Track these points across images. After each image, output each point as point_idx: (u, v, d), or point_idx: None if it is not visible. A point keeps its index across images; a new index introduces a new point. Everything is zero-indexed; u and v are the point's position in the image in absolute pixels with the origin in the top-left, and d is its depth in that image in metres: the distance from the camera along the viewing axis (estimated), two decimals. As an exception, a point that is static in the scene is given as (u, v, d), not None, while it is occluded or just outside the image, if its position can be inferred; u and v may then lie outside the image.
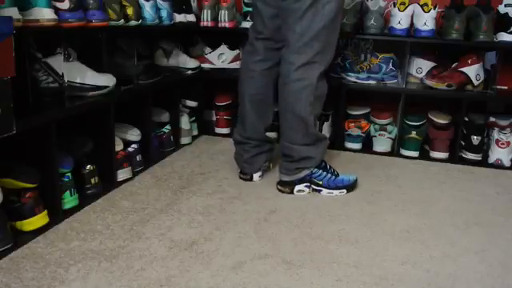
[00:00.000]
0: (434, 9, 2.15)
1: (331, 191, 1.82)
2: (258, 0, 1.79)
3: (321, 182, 1.82)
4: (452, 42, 2.17)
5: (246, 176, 1.93)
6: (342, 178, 1.85)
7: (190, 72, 2.35)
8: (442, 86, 2.23)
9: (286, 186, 1.83)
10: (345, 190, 1.84)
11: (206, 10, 2.40)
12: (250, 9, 2.36)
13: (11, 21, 1.23)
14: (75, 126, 1.67)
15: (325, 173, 1.82)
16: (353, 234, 1.52)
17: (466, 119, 2.26)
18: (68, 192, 1.57)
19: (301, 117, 1.73)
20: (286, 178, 1.84)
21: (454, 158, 2.29)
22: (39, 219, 1.43)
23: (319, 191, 1.82)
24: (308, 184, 1.82)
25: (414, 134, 2.31)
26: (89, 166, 1.67)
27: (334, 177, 1.84)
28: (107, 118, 1.74)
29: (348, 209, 1.71)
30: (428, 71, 2.37)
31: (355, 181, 1.88)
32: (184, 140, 2.35)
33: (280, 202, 1.74)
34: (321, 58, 1.71)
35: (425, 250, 1.45)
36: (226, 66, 2.50)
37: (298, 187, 1.82)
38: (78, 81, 1.65)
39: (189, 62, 2.35)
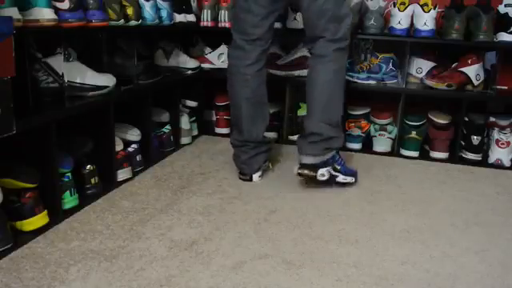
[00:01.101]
0: (434, 9, 2.15)
1: (346, 177, 1.86)
2: (249, 2, 1.77)
3: (339, 168, 1.85)
4: (452, 42, 2.17)
5: (245, 177, 1.93)
6: (348, 167, 1.92)
7: (190, 72, 2.35)
8: (442, 86, 2.23)
9: (311, 170, 1.80)
10: (354, 178, 1.88)
11: (206, 10, 2.41)
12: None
13: (11, 21, 1.23)
14: (75, 126, 1.67)
15: (341, 158, 1.86)
16: (353, 234, 1.52)
17: (466, 119, 2.26)
18: (68, 192, 1.57)
19: (340, 96, 1.82)
20: (310, 161, 1.81)
21: (454, 158, 2.29)
22: (39, 219, 1.43)
23: (335, 177, 1.85)
24: (329, 168, 1.82)
25: (414, 133, 2.31)
26: (89, 166, 1.67)
27: (344, 164, 1.89)
28: (107, 118, 1.74)
29: (348, 209, 1.71)
30: (428, 71, 2.37)
31: (356, 171, 1.93)
32: (184, 140, 2.35)
33: (280, 202, 1.74)
34: (345, 44, 1.81)
35: (425, 249, 1.45)
36: (225, 66, 2.49)
37: (321, 171, 1.80)
38: (78, 81, 1.65)
39: (189, 62, 2.35)
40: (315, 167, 1.81)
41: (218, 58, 2.51)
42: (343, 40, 1.77)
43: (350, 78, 2.34)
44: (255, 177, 1.93)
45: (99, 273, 1.26)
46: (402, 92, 2.30)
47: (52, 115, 1.47)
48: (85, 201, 1.65)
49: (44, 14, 1.41)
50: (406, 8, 2.18)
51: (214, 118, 2.62)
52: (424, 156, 2.33)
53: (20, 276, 1.23)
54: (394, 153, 2.37)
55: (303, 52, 2.35)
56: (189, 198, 1.75)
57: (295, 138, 2.45)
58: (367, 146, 2.41)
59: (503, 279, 1.31)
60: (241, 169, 1.94)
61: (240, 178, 1.94)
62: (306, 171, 1.81)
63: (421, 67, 2.39)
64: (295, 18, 2.30)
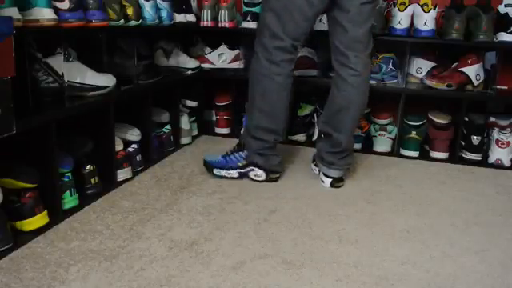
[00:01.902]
0: (434, 9, 2.15)
1: None
2: (313, 9, 1.72)
3: None
4: (452, 42, 2.17)
5: (276, 175, 1.94)
6: None
7: (190, 72, 2.35)
8: (442, 86, 2.23)
9: (341, 181, 1.93)
10: None
11: (205, 10, 2.40)
12: (252, 9, 2.36)
13: (11, 21, 1.23)
14: (75, 126, 1.67)
15: None
16: (353, 234, 1.52)
17: (466, 119, 2.26)
18: (68, 192, 1.57)
19: (364, 107, 1.91)
20: (341, 174, 1.92)
21: (454, 158, 2.29)
22: (39, 219, 1.43)
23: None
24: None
25: (414, 133, 2.31)
26: (89, 166, 1.67)
27: None
28: (107, 118, 1.74)
29: (348, 209, 1.71)
30: (428, 71, 2.37)
31: None
32: (184, 140, 2.35)
33: (280, 202, 1.74)
34: None
35: (425, 249, 1.45)
36: (226, 66, 2.50)
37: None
38: (78, 81, 1.65)
39: (189, 62, 2.35)
40: (343, 178, 1.93)
41: (217, 57, 2.51)
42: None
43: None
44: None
45: (99, 273, 1.26)
46: (402, 92, 2.30)
47: (52, 115, 1.47)
48: (85, 201, 1.65)
49: (44, 14, 1.41)
50: (406, 8, 2.18)
51: (214, 118, 2.62)
52: (424, 156, 2.33)
53: (20, 276, 1.23)
54: (394, 153, 2.37)
55: (303, 52, 2.35)
56: (189, 198, 1.75)
57: (295, 138, 2.47)
58: (367, 146, 2.42)
59: (503, 279, 1.31)
60: (275, 170, 1.94)
61: (271, 179, 1.92)
62: (340, 184, 1.92)
63: (421, 67, 2.39)
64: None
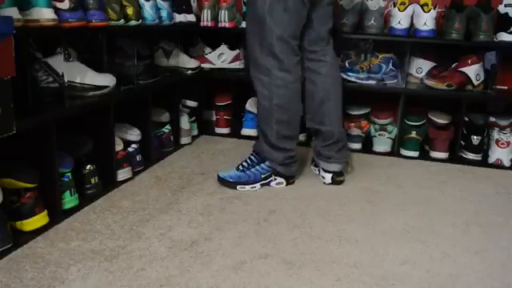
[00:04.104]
0: (434, 9, 2.15)
1: None
2: (305, 9, 1.74)
3: None
4: (452, 42, 2.17)
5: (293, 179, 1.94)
6: None
7: (189, 72, 2.35)
8: (442, 86, 2.23)
9: (341, 175, 1.93)
10: None
11: (205, 10, 2.40)
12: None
13: (11, 21, 1.23)
14: (75, 126, 1.67)
15: None
16: (353, 234, 1.52)
17: (466, 119, 2.26)
18: (68, 192, 1.57)
19: (341, 95, 1.95)
20: (340, 168, 1.92)
21: (454, 158, 2.29)
22: (39, 219, 1.43)
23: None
24: None
25: (414, 133, 2.31)
26: (89, 166, 1.67)
27: None
28: (107, 118, 1.74)
29: (348, 209, 1.71)
30: (428, 71, 2.37)
31: None
32: (184, 140, 2.35)
33: (280, 202, 1.74)
34: None
35: (425, 249, 1.45)
36: (226, 65, 2.50)
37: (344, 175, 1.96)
38: (77, 81, 1.66)
39: (189, 62, 2.35)
40: (343, 173, 1.93)
41: (217, 57, 2.51)
42: None
43: (350, 78, 2.35)
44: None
45: (99, 273, 1.26)
46: (402, 92, 2.30)
47: (52, 115, 1.47)
48: (85, 201, 1.65)
49: (44, 14, 1.41)
50: (405, 8, 2.18)
51: (214, 118, 2.62)
52: (424, 156, 2.33)
53: (20, 276, 1.23)
54: (394, 153, 2.37)
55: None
56: (189, 198, 1.75)
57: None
58: (367, 146, 2.42)
59: (503, 279, 1.31)
60: (294, 176, 1.93)
61: (289, 183, 1.91)
62: (341, 178, 1.92)
63: (421, 67, 2.39)
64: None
